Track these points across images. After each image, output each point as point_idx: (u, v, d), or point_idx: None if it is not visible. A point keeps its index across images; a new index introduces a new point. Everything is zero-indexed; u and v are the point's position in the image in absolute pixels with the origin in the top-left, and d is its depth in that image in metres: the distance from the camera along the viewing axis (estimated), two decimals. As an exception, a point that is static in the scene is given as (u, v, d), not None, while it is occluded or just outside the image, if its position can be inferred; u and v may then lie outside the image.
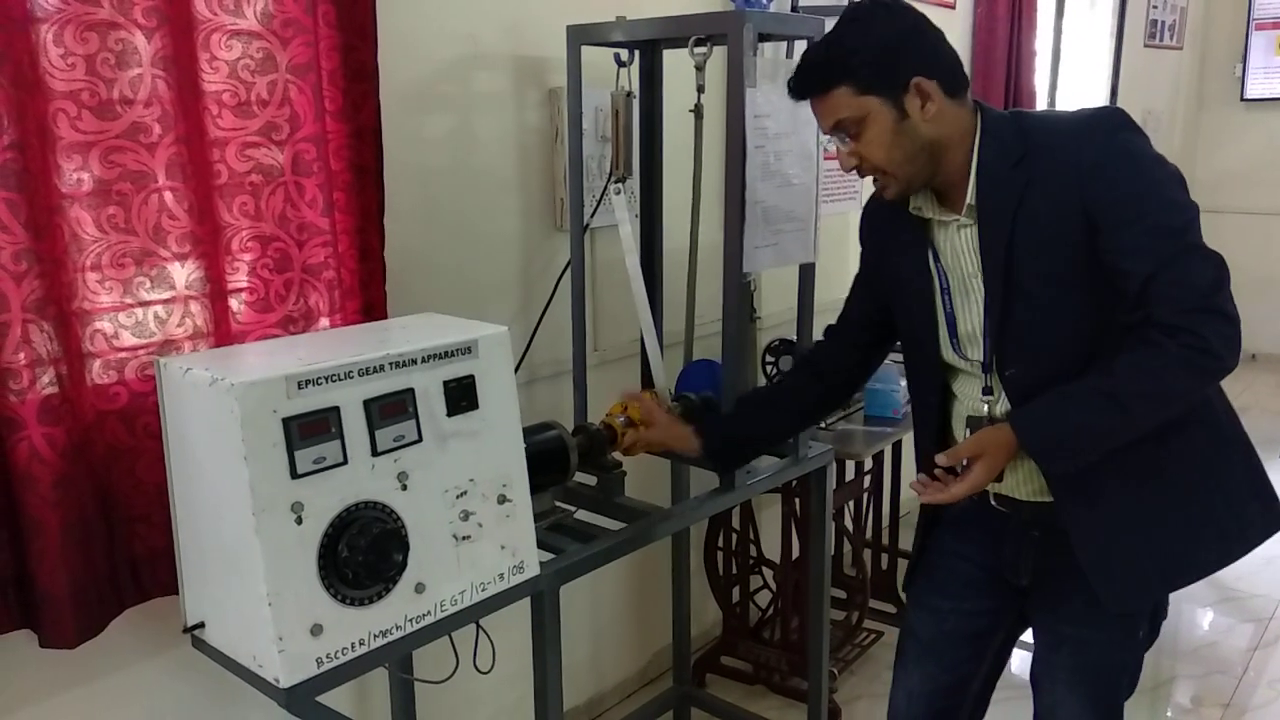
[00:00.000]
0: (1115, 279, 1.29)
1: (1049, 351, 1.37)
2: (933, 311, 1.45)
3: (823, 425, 2.34)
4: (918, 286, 1.46)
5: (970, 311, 1.42)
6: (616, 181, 1.82)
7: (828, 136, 1.42)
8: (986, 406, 1.43)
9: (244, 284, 1.57)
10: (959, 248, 1.41)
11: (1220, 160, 6.04)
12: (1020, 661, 2.00)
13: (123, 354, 1.46)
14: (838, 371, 1.67)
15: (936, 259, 1.44)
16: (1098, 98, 5.04)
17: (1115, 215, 1.27)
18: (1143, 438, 1.33)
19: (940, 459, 1.38)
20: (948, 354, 1.47)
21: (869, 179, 1.41)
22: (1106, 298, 1.31)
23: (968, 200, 1.37)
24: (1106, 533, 1.39)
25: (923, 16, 1.36)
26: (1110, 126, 1.30)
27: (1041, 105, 4.27)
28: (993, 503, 1.50)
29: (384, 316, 1.72)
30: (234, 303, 1.56)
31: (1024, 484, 1.45)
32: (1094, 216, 1.28)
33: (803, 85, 1.37)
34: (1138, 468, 1.37)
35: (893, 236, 1.49)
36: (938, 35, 1.37)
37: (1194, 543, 1.41)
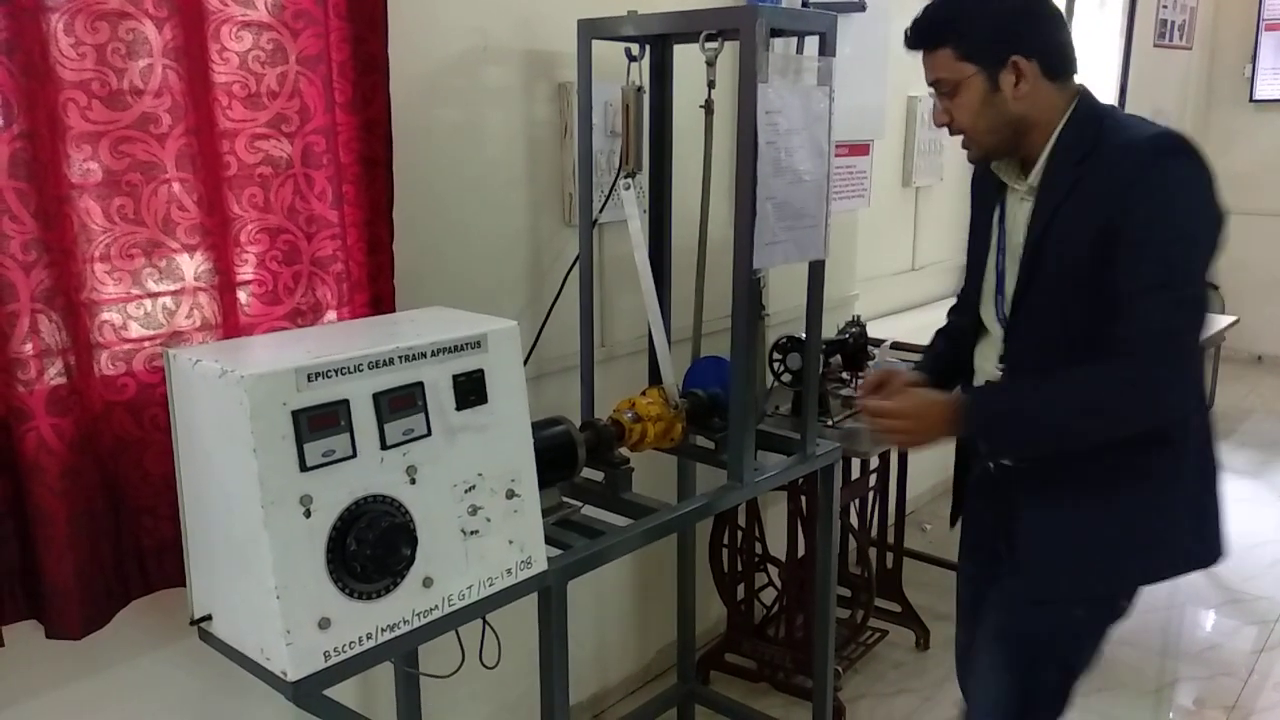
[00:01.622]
0: (1108, 292, 1.34)
1: (1043, 342, 1.44)
2: (984, 267, 1.55)
3: (829, 423, 2.33)
4: (983, 240, 1.56)
5: (1013, 277, 1.49)
6: (626, 177, 1.81)
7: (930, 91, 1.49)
8: (1000, 374, 1.51)
9: (252, 276, 1.56)
10: (1019, 218, 1.49)
11: (1229, 161, 5.98)
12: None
13: (131, 345, 1.45)
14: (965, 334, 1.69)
15: (1002, 220, 1.53)
16: (1107, 98, 5.03)
17: (1128, 235, 1.32)
18: (1106, 449, 1.39)
19: (863, 400, 1.51)
20: (986, 310, 1.56)
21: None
22: (1105, 313, 1.35)
23: (1030, 179, 1.45)
24: (1046, 523, 1.48)
25: (1044, 1, 1.41)
26: (1161, 149, 1.33)
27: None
28: (991, 468, 1.58)
29: (392, 310, 1.72)
30: (242, 295, 1.56)
31: None
32: (1114, 232, 1.33)
33: (914, 37, 1.45)
34: (1095, 475, 1.44)
35: (981, 191, 1.60)
36: (1054, 16, 1.42)
37: (1123, 556, 1.47)
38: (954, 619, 1.82)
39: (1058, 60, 1.41)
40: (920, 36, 1.45)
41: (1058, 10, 1.44)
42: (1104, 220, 1.33)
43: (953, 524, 1.78)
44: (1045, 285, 1.42)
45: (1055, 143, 1.42)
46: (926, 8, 1.45)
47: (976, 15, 1.40)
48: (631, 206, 1.80)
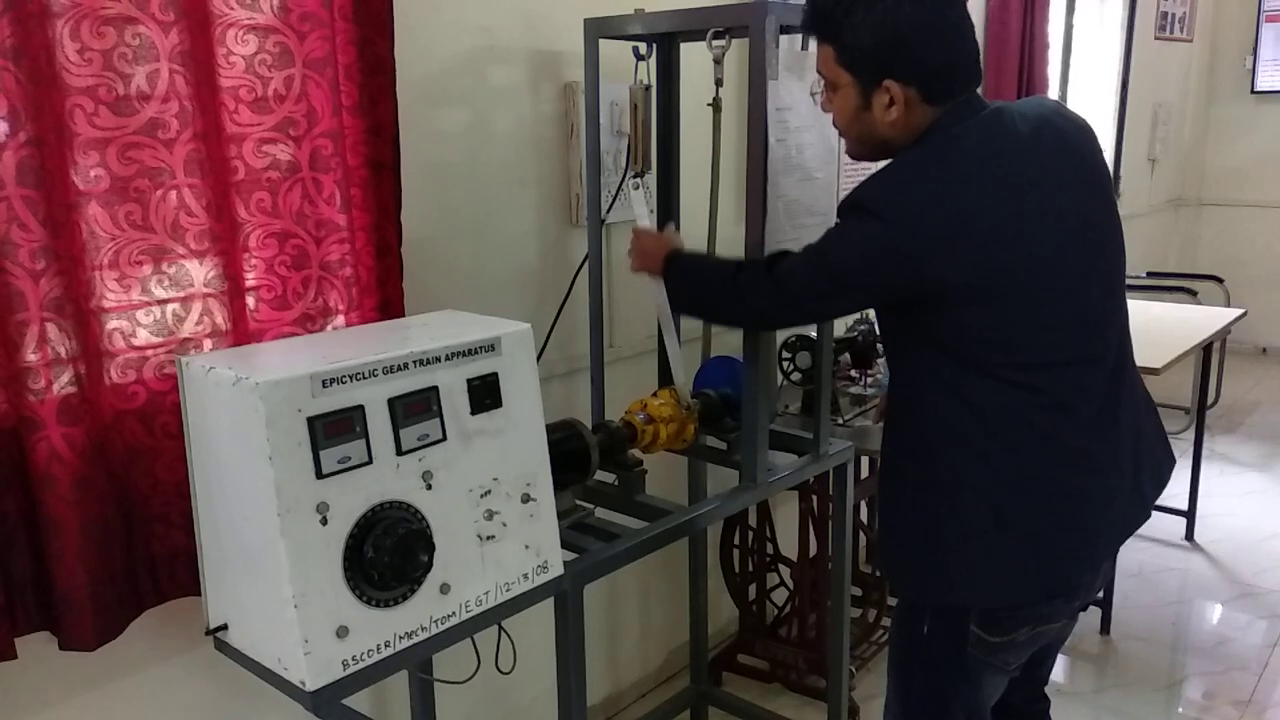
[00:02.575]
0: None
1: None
2: None
3: (840, 421, 2.32)
4: None
5: None
6: (635, 176, 1.80)
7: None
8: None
9: (261, 281, 1.55)
10: None
11: (1231, 153, 6.00)
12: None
13: (140, 353, 1.44)
14: None
15: None
16: (1108, 90, 5.02)
17: None
18: (901, 453, 1.44)
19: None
20: None
21: None
22: (896, 307, 1.42)
23: None
24: (880, 520, 1.54)
25: (942, 15, 1.32)
26: (847, 202, 1.37)
27: (1053, 96, 4.25)
28: None
29: (401, 314, 1.70)
30: (251, 300, 1.54)
31: None
32: None
33: (806, 20, 1.42)
34: (900, 475, 1.46)
35: None
36: (947, 33, 1.32)
37: (919, 564, 1.44)
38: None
39: (939, 84, 1.32)
40: (808, 25, 1.41)
41: (957, 23, 1.33)
42: None
43: None
44: None
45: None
46: None
47: (860, 27, 1.31)
48: (640, 207, 1.79)
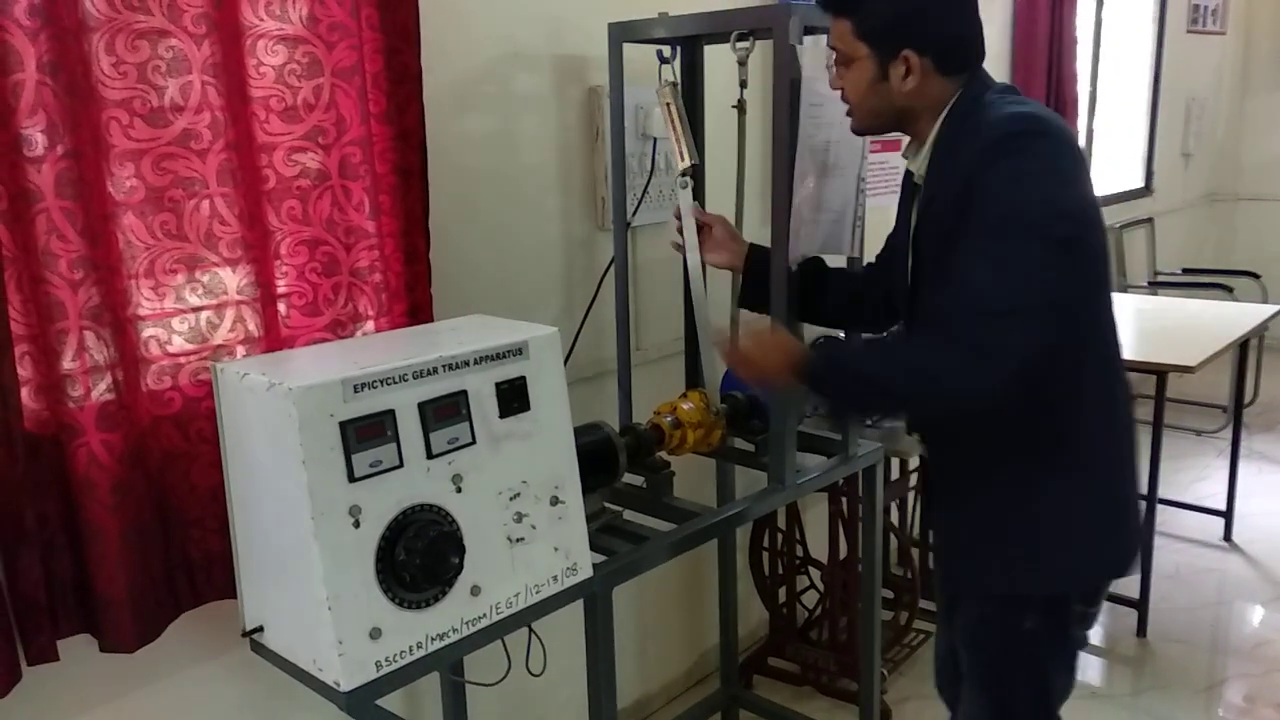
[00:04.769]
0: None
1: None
2: (905, 261, 1.52)
3: (869, 423, 2.30)
4: (901, 237, 1.54)
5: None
6: (683, 175, 1.77)
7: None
8: None
9: (293, 288, 1.58)
10: (915, 208, 1.48)
11: (1265, 146, 5.90)
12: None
13: (175, 359, 1.47)
14: (868, 290, 1.73)
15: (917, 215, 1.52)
16: (1140, 85, 4.95)
17: (975, 218, 1.27)
18: (992, 447, 1.40)
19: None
20: (900, 304, 1.54)
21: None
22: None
23: (918, 170, 1.45)
24: (947, 521, 1.52)
25: None
26: (1009, 134, 1.28)
27: (1083, 92, 4.21)
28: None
29: (430, 319, 1.72)
30: (282, 307, 1.57)
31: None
32: (965, 218, 1.29)
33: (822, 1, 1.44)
34: (977, 471, 1.45)
35: (905, 188, 1.57)
36: (962, 8, 1.39)
37: (1014, 555, 1.43)
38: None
39: (954, 55, 1.38)
40: (827, 1, 1.43)
41: None
42: (956, 210, 1.30)
43: (924, 531, 1.76)
44: (924, 275, 1.43)
45: (936, 135, 1.40)
46: None
47: (879, 1, 1.36)
48: (687, 205, 1.78)
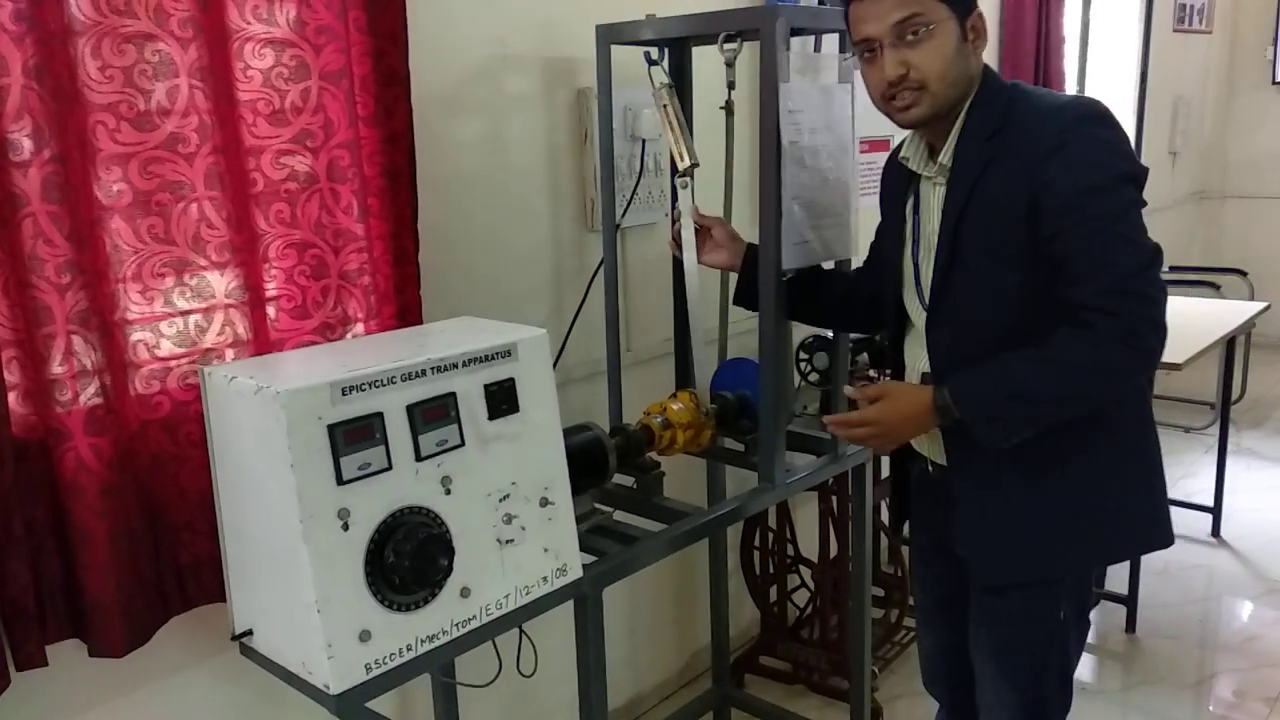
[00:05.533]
0: (1051, 263, 1.30)
1: (974, 323, 1.39)
2: (902, 258, 1.51)
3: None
4: (897, 232, 1.52)
5: (928, 266, 1.45)
6: (682, 175, 1.76)
7: (860, 47, 1.37)
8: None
9: (281, 291, 1.57)
10: (931, 204, 1.45)
11: (1252, 144, 5.94)
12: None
13: (164, 363, 1.46)
14: (859, 292, 1.73)
15: (916, 210, 1.49)
16: (1127, 83, 4.97)
17: (1058, 201, 1.28)
18: (1049, 431, 1.34)
19: (848, 391, 1.47)
20: (911, 304, 1.51)
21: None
22: (1045, 284, 1.32)
23: (941, 159, 1.40)
24: (986, 507, 1.44)
25: None
26: (1081, 115, 1.30)
27: (1070, 90, 4.22)
28: (929, 469, 1.56)
29: (419, 321, 1.72)
30: (271, 310, 1.57)
31: (927, 444, 1.53)
32: (1040, 199, 1.29)
33: None
34: (1035, 457, 1.38)
35: (891, 186, 1.55)
36: None
37: (1065, 540, 1.43)
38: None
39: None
40: None
41: None
42: (1029, 192, 1.29)
43: (897, 528, 1.76)
44: (967, 268, 1.37)
45: (965, 120, 1.37)
46: None
47: None
48: (688, 208, 1.77)
